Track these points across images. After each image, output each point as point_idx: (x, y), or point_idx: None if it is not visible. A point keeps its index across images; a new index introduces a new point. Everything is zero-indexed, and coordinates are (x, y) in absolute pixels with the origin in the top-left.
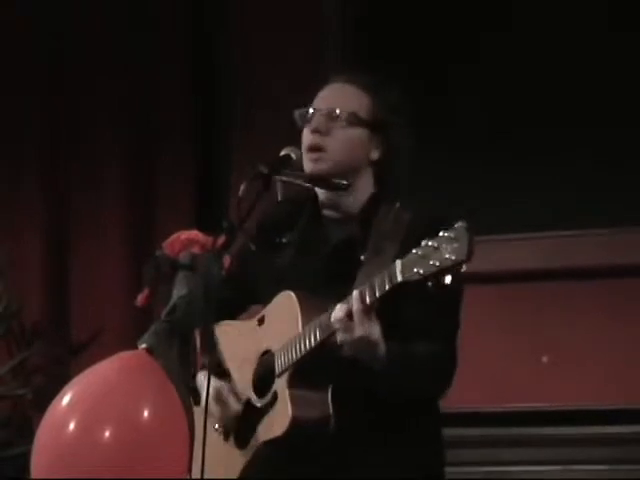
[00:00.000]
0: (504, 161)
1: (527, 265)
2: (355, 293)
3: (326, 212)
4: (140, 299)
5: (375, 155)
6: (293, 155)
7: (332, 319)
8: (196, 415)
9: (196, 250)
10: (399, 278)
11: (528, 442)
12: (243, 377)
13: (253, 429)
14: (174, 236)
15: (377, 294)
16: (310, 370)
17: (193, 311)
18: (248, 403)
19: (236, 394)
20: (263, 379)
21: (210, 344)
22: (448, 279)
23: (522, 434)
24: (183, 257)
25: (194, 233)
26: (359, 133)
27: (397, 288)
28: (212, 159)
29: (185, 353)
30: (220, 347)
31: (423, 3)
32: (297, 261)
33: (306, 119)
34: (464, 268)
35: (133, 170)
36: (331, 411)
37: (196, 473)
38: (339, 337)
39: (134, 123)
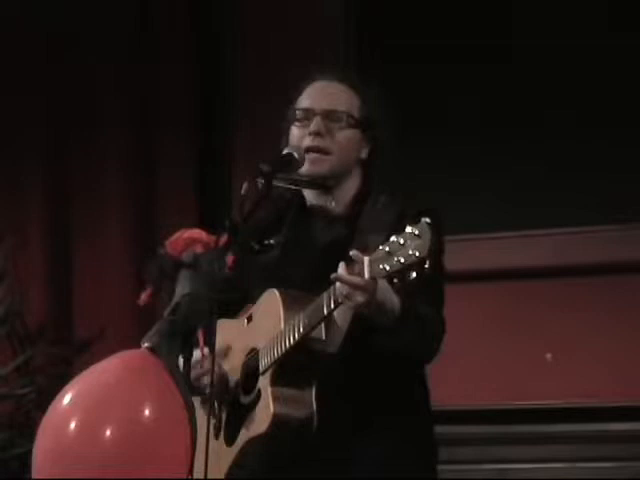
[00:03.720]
0: (507, 159)
1: (530, 263)
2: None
3: (313, 211)
4: (143, 298)
5: (364, 154)
6: (295, 154)
7: (337, 291)
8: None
9: (199, 249)
10: (366, 274)
11: (532, 440)
12: (232, 373)
13: (240, 426)
14: (177, 235)
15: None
16: (293, 368)
17: (195, 310)
18: (236, 404)
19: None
20: (250, 377)
21: (212, 343)
22: (413, 275)
23: (525, 431)
24: (186, 256)
25: (197, 232)
26: (354, 133)
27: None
28: (214, 159)
29: (187, 352)
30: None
31: (424, 3)
32: (285, 261)
33: (298, 118)
34: (427, 265)
35: (135, 170)
36: (315, 409)
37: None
38: (350, 305)
39: (136, 123)
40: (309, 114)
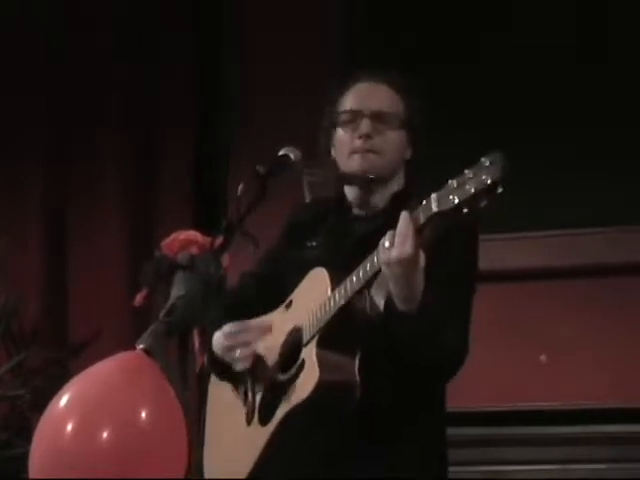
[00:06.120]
0: (513, 158)
1: (525, 264)
2: (404, 214)
3: (355, 211)
4: (138, 299)
5: (408, 154)
6: (292, 155)
7: (381, 243)
8: (215, 398)
9: (194, 250)
10: (434, 209)
11: (527, 441)
12: (268, 360)
13: (277, 404)
14: (172, 236)
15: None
16: (339, 335)
17: (191, 311)
18: (274, 384)
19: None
20: (290, 356)
21: (209, 344)
22: (484, 203)
23: (521, 433)
24: (181, 257)
25: (192, 233)
26: (401, 134)
27: (433, 221)
28: (211, 161)
29: (183, 354)
30: None
31: (423, 3)
32: (324, 257)
33: (345, 120)
34: (500, 190)
35: (133, 172)
36: (357, 378)
37: (208, 460)
38: (384, 257)
39: (134, 124)
40: (357, 116)
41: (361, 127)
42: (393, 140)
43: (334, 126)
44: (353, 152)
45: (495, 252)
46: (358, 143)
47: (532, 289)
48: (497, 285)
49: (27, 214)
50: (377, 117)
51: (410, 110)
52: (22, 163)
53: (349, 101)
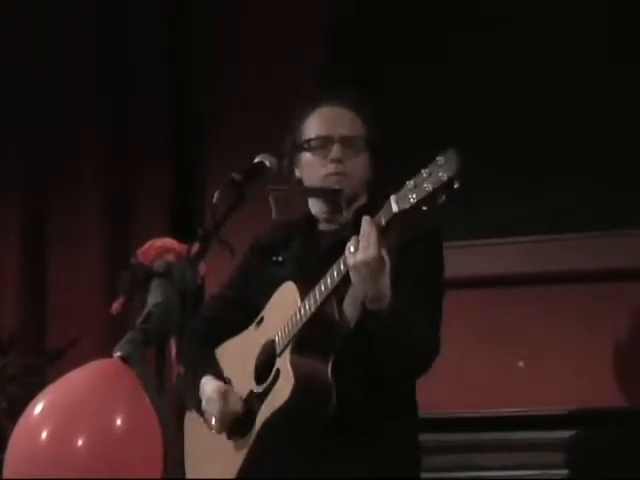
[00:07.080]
0: (482, 165)
1: (504, 270)
2: (366, 218)
3: (321, 227)
4: (115, 307)
5: (370, 174)
6: (267, 162)
7: (346, 248)
8: (193, 419)
9: (171, 258)
10: (394, 209)
11: (506, 447)
12: (243, 378)
13: (255, 416)
14: (148, 244)
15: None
16: (311, 342)
17: (167, 319)
18: (250, 397)
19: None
20: (265, 369)
21: (184, 351)
22: (443, 199)
23: (500, 439)
24: (158, 265)
25: (169, 241)
26: (366, 157)
27: (395, 222)
28: (188, 167)
29: (160, 362)
30: (222, 365)
31: (410, 6)
32: (293, 273)
33: (315, 146)
34: (456, 185)
35: (112, 180)
36: (332, 383)
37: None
38: (350, 260)
39: (112, 131)
40: (327, 142)
41: (333, 152)
42: (361, 163)
43: (299, 149)
44: (327, 175)
45: (474, 258)
46: (331, 167)
47: (509, 295)
48: (475, 291)
49: (5, 223)
50: (345, 141)
51: (370, 132)
52: (1, 167)
53: (316, 127)
